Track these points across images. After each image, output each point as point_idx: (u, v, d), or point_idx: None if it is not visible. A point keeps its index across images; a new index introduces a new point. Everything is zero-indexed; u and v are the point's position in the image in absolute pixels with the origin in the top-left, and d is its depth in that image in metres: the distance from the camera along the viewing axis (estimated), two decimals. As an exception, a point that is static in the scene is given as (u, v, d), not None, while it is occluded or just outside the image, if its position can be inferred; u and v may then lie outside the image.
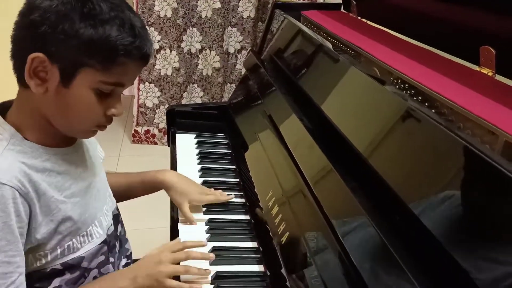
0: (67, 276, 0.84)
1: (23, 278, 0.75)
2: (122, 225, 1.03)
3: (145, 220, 2.13)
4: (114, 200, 1.01)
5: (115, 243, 0.97)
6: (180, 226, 1.09)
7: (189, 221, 1.09)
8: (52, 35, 0.72)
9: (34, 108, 0.78)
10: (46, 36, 0.72)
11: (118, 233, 0.99)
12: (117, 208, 1.01)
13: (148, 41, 0.78)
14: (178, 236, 1.05)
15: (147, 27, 2.78)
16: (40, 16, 0.72)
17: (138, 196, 1.16)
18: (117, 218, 0.99)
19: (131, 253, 1.05)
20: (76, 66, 0.74)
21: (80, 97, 0.77)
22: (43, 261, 0.80)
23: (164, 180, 1.13)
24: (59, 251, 0.81)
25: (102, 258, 0.89)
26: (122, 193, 1.12)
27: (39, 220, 0.77)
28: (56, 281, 0.83)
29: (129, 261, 1.03)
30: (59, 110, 0.78)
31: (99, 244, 0.89)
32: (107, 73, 0.75)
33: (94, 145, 0.99)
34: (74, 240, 0.83)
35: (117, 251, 0.97)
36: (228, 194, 1.18)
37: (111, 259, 0.93)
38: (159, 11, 2.80)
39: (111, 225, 0.95)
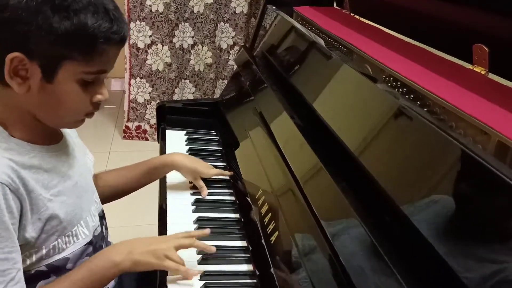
0: (52, 278, 0.82)
1: (21, 274, 0.74)
2: (106, 228, 1.01)
3: (133, 217, 2.12)
4: (100, 203, 0.99)
5: (102, 244, 0.95)
6: (169, 219, 1.09)
7: (203, 191, 1.19)
8: (27, 33, 0.70)
9: (18, 105, 0.77)
10: (21, 34, 0.70)
11: (104, 235, 0.98)
12: (102, 211, 1.00)
13: (124, 23, 0.77)
14: (167, 230, 1.06)
15: (139, 21, 2.75)
16: (11, 14, 0.69)
17: (143, 185, 1.18)
18: (102, 221, 0.98)
19: None
20: (57, 60, 0.73)
21: (65, 91, 0.76)
22: (28, 262, 0.78)
23: (174, 161, 1.19)
24: (44, 251, 0.79)
25: (87, 259, 0.87)
26: (128, 187, 1.14)
27: (28, 218, 0.75)
28: (41, 284, 0.81)
29: None
30: (44, 106, 0.77)
31: (84, 245, 0.87)
32: (89, 62, 0.74)
33: (81, 148, 0.97)
34: (59, 240, 0.82)
35: None
36: (218, 192, 1.20)
37: None
38: (151, 6, 2.77)
39: (98, 226, 0.93)
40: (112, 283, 0.94)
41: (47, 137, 0.83)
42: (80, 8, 0.71)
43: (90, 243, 0.89)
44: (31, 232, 0.76)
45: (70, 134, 0.92)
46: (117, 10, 0.76)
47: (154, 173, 1.18)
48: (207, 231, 0.98)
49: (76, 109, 0.79)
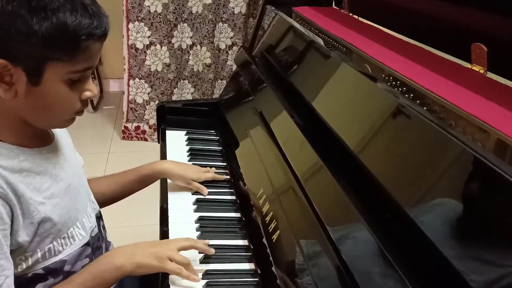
0: (50, 281, 0.82)
1: (10, 281, 0.73)
2: (104, 228, 1.01)
3: (132, 217, 2.12)
4: (97, 203, 0.99)
5: (101, 244, 0.95)
6: (171, 219, 1.09)
7: (202, 190, 1.19)
8: (7, 38, 0.69)
9: (6, 110, 0.76)
10: (1, 40, 0.69)
11: (102, 236, 0.98)
12: (99, 211, 0.99)
13: (104, 16, 0.76)
14: (168, 230, 1.06)
15: (137, 22, 2.75)
16: None
17: (134, 192, 1.17)
18: (98, 221, 0.97)
19: None
20: (41, 63, 0.72)
21: (52, 92, 0.75)
22: (24, 266, 0.78)
23: (163, 169, 1.18)
24: (39, 254, 0.79)
25: (86, 261, 0.88)
26: (118, 194, 1.13)
27: (20, 222, 0.75)
28: (39, 287, 0.81)
29: None
30: (34, 109, 0.76)
31: (82, 247, 0.87)
32: (74, 61, 0.73)
33: (72, 149, 0.96)
34: (54, 242, 0.81)
35: (103, 253, 0.95)
36: (219, 191, 1.20)
37: None
38: (149, 6, 2.77)
39: (95, 226, 0.93)
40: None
41: (38, 139, 0.82)
42: (58, 6, 0.70)
43: (87, 244, 0.88)
44: (23, 236, 0.75)
45: (62, 135, 0.92)
46: (95, 4, 0.75)
47: (144, 181, 1.17)
48: (207, 241, 0.99)
49: (66, 109, 0.79)
